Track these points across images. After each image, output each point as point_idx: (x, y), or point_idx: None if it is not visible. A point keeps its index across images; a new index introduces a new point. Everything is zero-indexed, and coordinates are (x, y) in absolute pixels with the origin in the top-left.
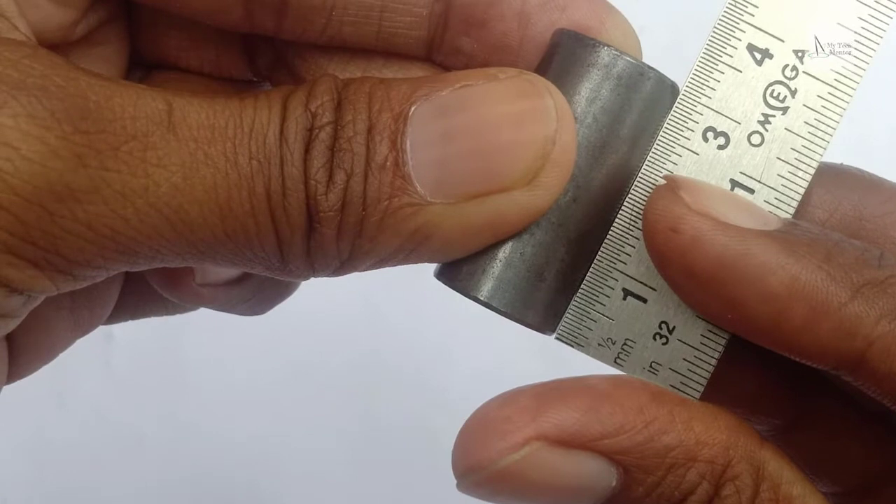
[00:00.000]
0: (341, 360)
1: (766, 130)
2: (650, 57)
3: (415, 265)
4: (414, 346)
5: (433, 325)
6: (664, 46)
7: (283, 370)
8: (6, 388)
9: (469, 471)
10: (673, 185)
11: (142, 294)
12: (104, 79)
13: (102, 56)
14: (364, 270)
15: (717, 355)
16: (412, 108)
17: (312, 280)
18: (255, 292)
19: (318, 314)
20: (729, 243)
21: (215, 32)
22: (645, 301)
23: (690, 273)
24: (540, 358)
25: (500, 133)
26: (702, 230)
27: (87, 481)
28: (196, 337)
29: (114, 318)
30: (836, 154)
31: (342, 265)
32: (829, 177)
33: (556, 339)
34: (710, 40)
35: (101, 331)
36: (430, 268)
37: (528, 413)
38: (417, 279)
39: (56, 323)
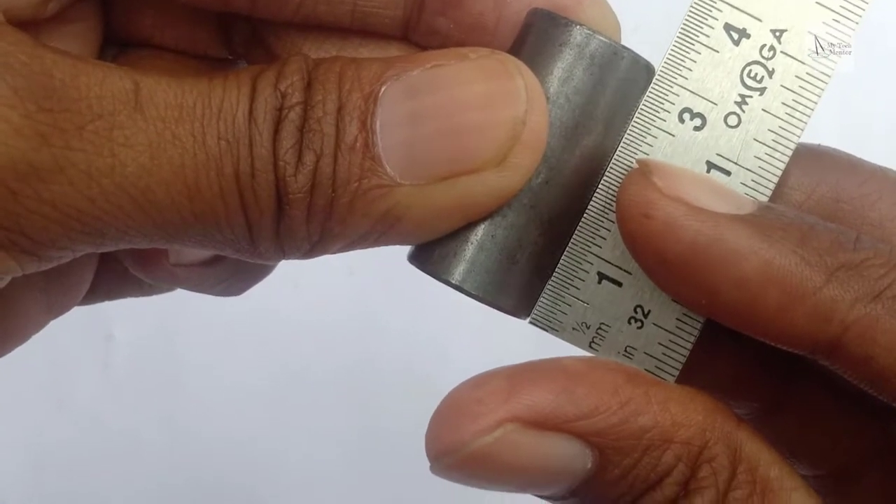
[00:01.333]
0: (338, 364)
1: (743, 111)
2: (646, 54)
3: (411, 269)
4: (411, 349)
5: (430, 329)
6: (660, 42)
7: (280, 373)
8: (5, 388)
9: (442, 454)
10: (645, 170)
11: (117, 275)
12: (70, 56)
13: (75, 34)
14: (335, 253)
15: (692, 339)
16: (382, 89)
17: (310, 283)
18: (230, 273)
19: (315, 318)
20: (701, 229)
21: (190, 10)
22: (620, 285)
23: (663, 259)
24: (537, 355)
25: (469, 114)
26: (674, 216)
27: (85, 483)
28: (194, 340)
29: (88, 298)
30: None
31: (312, 248)
32: (807, 158)
33: (531, 323)
34: (686, 20)
35: (100, 333)
36: None
37: (500, 395)
38: (415, 282)
39: (29, 304)
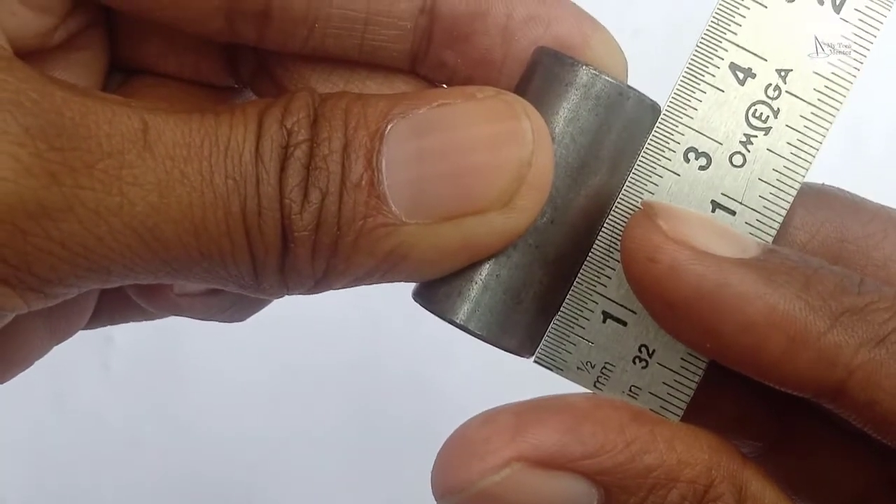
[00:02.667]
0: (338, 363)
1: (748, 151)
2: (646, 59)
3: None
4: (411, 347)
5: (430, 329)
6: (659, 47)
7: (280, 372)
8: (5, 389)
9: (448, 492)
10: (650, 212)
11: (119, 301)
12: (79, 93)
13: (80, 62)
14: (339, 289)
15: (696, 379)
16: (388, 127)
17: None
18: (233, 301)
19: (315, 317)
20: (706, 273)
21: (196, 40)
22: (625, 324)
23: (668, 303)
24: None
25: (475, 155)
26: (679, 260)
27: (85, 483)
28: (194, 340)
29: (91, 324)
30: (831, 163)
31: (316, 284)
32: (811, 197)
33: (535, 362)
34: (691, 59)
35: (100, 334)
36: None
37: (507, 433)
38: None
39: (32, 333)
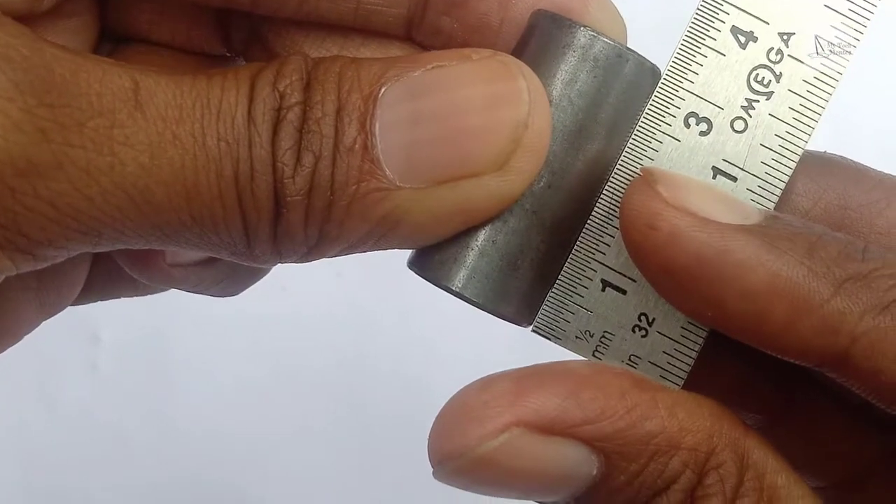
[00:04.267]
0: (328, 361)
1: (750, 116)
2: (635, 43)
3: (401, 265)
4: (401, 346)
5: (419, 329)
6: (649, 30)
7: (269, 371)
8: None
9: (446, 458)
10: (650, 179)
11: (110, 274)
12: (70, 51)
13: (70, 29)
14: (333, 256)
15: (697, 348)
16: (382, 90)
17: (300, 281)
18: (227, 273)
19: (304, 315)
20: (707, 240)
21: (188, 6)
22: (624, 292)
23: (668, 270)
24: (530, 355)
25: (470, 116)
26: (679, 226)
27: (74, 483)
28: (183, 339)
29: (81, 298)
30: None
31: (310, 251)
32: (813, 165)
33: (533, 331)
34: (692, 22)
35: (87, 333)
36: None
37: (506, 398)
38: (403, 282)
39: (21, 304)
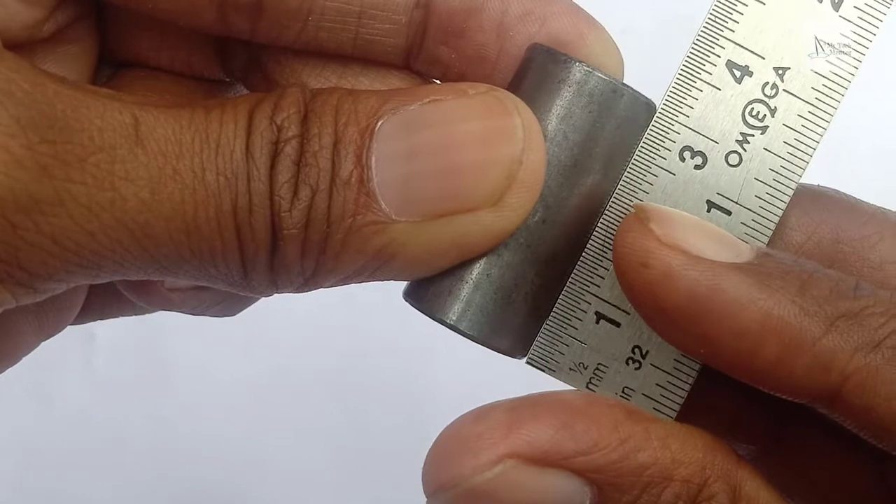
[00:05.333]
0: (325, 360)
1: (745, 150)
2: (632, 59)
3: None
4: (398, 344)
5: (416, 327)
6: (648, 46)
7: (266, 369)
8: None
9: (440, 488)
10: (643, 216)
11: (108, 296)
12: (70, 86)
13: (70, 55)
14: (328, 287)
15: (690, 381)
16: (379, 123)
17: None
18: (224, 296)
19: (301, 313)
20: (700, 278)
21: (188, 32)
22: (618, 325)
23: (661, 308)
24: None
25: (465, 151)
26: (672, 265)
27: (69, 481)
28: (179, 337)
29: (80, 319)
30: (819, 171)
31: (305, 282)
32: (807, 198)
33: (527, 363)
34: (688, 56)
35: (83, 331)
36: None
37: (500, 430)
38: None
39: (20, 327)
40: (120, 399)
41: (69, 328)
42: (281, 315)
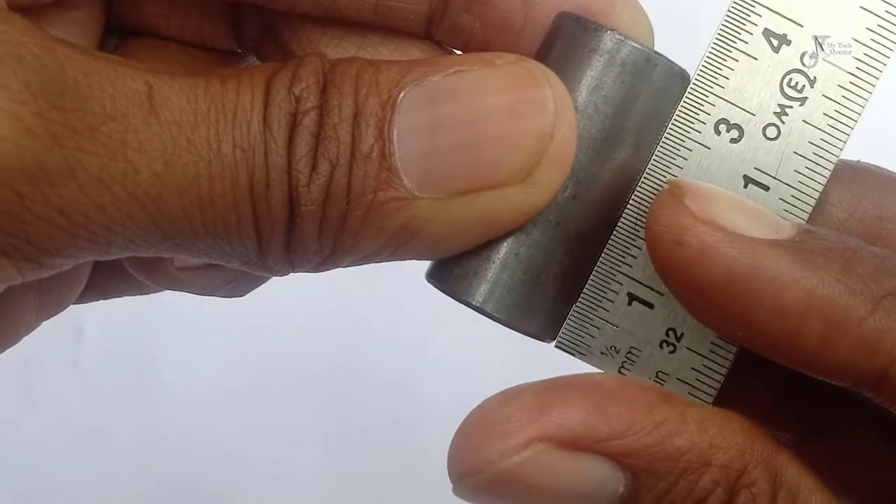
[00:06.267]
0: (316, 361)
1: (783, 123)
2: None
3: (391, 267)
4: (390, 346)
5: (409, 328)
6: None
7: (256, 370)
8: None
9: (467, 474)
10: (677, 192)
11: (113, 274)
12: (81, 51)
13: (75, 21)
14: (347, 266)
15: (727, 364)
16: (401, 95)
17: (287, 281)
18: (235, 275)
19: (292, 314)
20: (738, 256)
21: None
22: (651, 307)
23: (698, 288)
24: (519, 356)
25: (492, 124)
26: (709, 242)
27: (54, 481)
28: (167, 335)
29: (82, 298)
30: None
31: (323, 261)
32: (847, 174)
33: (556, 346)
34: (723, 25)
35: (70, 328)
36: (407, 266)
37: (530, 412)
38: (393, 278)
39: (22, 306)
40: (107, 397)
41: (57, 326)
42: (271, 316)
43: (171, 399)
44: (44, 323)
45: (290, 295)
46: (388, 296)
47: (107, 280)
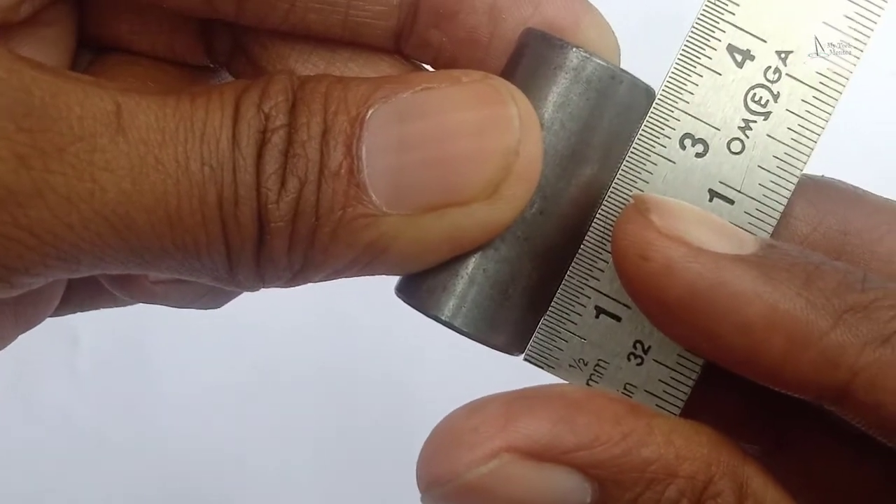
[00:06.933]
0: (311, 363)
1: (747, 137)
2: (624, 47)
3: None
4: (383, 348)
5: (402, 329)
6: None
7: (250, 373)
8: None
9: (433, 483)
10: (642, 207)
11: (89, 287)
12: (49, 71)
13: (48, 38)
14: (317, 282)
15: (694, 376)
16: (369, 112)
17: None
18: (209, 288)
19: (286, 317)
20: (702, 271)
21: (170, 16)
22: (619, 319)
23: (662, 303)
24: (515, 358)
25: (459, 142)
26: (673, 258)
27: (51, 485)
28: (162, 340)
29: (60, 311)
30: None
31: (294, 277)
32: (812, 189)
33: (525, 360)
34: (687, 41)
35: (66, 334)
36: None
37: (497, 423)
38: (388, 279)
39: None
40: (103, 403)
41: (53, 331)
42: (266, 318)
43: (167, 401)
44: (39, 331)
45: (285, 297)
46: (383, 297)
47: (82, 294)
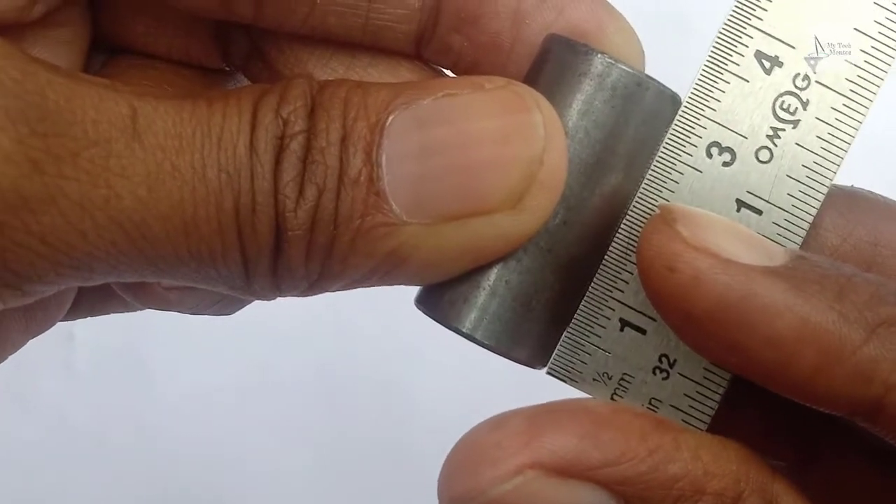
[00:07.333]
0: (308, 364)
1: (776, 146)
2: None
3: None
4: (381, 351)
5: (400, 331)
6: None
7: (248, 374)
8: None
9: (456, 500)
10: (668, 217)
11: (100, 293)
12: (64, 74)
13: (61, 39)
14: (335, 291)
15: (721, 391)
16: (390, 118)
17: None
18: (223, 295)
19: (284, 317)
20: (731, 283)
21: (186, 17)
22: (644, 332)
23: (689, 316)
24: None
25: (482, 150)
26: (700, 269)
27: (48, 484)
28: (160, 339)
29: (69, 316)
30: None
31: (311, 286)
32: (841, 200)
33: (548, 373)
34: (714, 47)
35: (61, 332)
36: None
37: (520, 438)
38: None
39: (8, 325)
40: (99, 401)
41: (49, 329)
42: (264, 318)
43: (164, 401)
44: None
45: (283, 300)
46: (381, 299)
47: (94, 298)
